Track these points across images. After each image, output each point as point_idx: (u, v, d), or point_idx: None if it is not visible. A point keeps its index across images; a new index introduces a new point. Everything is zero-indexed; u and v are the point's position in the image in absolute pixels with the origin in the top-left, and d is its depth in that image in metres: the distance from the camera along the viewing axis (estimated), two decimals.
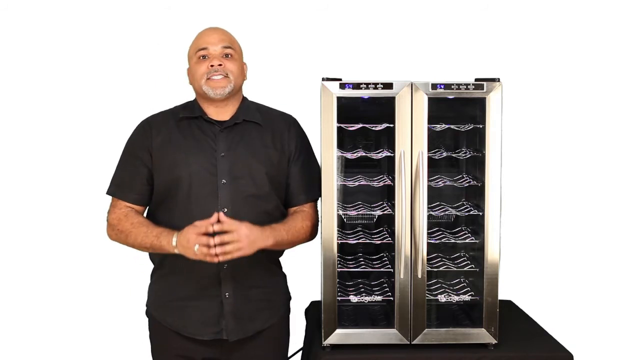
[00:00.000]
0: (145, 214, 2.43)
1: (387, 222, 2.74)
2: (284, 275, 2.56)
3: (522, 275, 3.62)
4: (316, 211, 2.50)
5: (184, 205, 2.31)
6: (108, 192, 2.42)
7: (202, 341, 2.36)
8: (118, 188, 2.39)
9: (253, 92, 2.53)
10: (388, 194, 2.75)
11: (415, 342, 2.46)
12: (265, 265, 2.44)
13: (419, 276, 2.43)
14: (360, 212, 2.72)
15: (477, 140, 2.57)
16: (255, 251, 2.21)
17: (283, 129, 2.45)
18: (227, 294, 2.34)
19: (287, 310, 2.56)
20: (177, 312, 2.37)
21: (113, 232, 2.37)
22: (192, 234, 2.14)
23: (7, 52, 3.81)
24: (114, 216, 2.37)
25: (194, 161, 2.32)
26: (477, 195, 2.58)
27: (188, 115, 2.39)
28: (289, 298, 2.57)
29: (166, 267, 2.40)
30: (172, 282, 2.39)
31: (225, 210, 2.28)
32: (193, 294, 2.35)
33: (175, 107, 2.48)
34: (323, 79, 2.39)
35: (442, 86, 2.40)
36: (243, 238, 2.16)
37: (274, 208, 2.41)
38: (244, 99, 2.48)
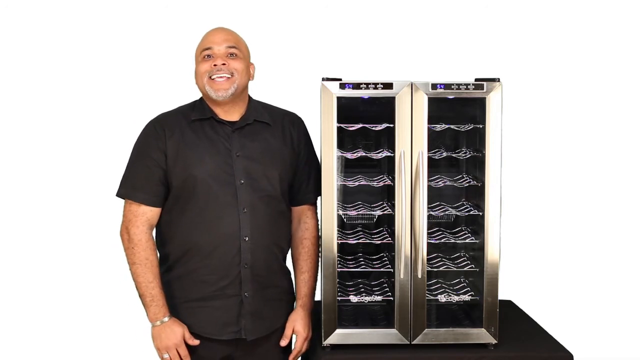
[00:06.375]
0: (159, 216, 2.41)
1: (387, 222, 2.73)
2: (290, 275, 2.58)
3: (522, 275, 3.62)
4: (317, 207, 2.55)
5: (202, 206, 2.32)
6: (119, 195, 2.38)
7: (219, 341, 2.38)
8: (131, 190, 2.35)
9: (253, 92, 2.53)
10: (388, 194, 2.75)
11: (415, 342, 2.46)
12: (280, 266, 2.49)
13: (419, 276, 2.43)
14: (360, 212, 2.71)
15: (477, 140, 2.57)
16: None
17: (291, 128, 2.49)
18: (246, 293, 2.36)
19: (292, 309, 2.57)
20: (194, 313, 2.37)
21: (126, 243, 2.35)
22: (172, 344, 2.31)
23: (4, 52, 3.81)
24: (136, 231, 2.32)
25: (211, 161, 2.32)
26: (477, 195, 2.57)
27: (200, 117, 2.39)
28: (294, 298, 2.58)
29: (180, 268, 2.38)
30: (187, 283, 2.38)
31: (245, 210, 2.31)
32: (212, 294, 2.35)
33: (182, 107, 2.47)
34: (323, 79, 2.39)
35: (442, 86, 2.40)
36: (308, 332, 2.47)
37: (286, 207, 2.47)
38: (251, 98, 2.48)
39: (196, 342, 2.35)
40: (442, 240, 2.64)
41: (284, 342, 2.47)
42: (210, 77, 2.33)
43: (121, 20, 3.80)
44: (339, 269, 2.47)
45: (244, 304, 2.37)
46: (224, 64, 2.33)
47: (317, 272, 2.53)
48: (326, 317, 2.44)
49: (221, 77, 2.32)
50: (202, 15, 3.76)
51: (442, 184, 2.63)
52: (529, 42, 3.87)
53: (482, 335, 2.46)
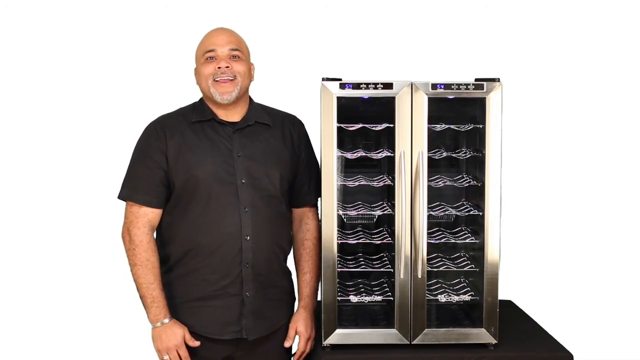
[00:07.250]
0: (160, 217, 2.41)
1: (387, 222, 2.74)
2: (291, 275, 2.58)
3: (522, 275, 3.62)
4: (318, 208, 2.55)
5: (204, 206, 2.32)
6: (121, 197, 2.38)
7: (220, 340, 2.38)
8: (132, 191, 2.35)
9: (253, 92, 2.53)
10: (388, 194, 2.75)
11: (415, 342, 2.46)
12: (281, 266, 2.49)
13: (419, 276, 2.43)
14: (360, 212, 2.71)
15: (477, 140, 2.57)
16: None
17: (291, 129, 2.50)
18: (247, 293, 2.36)
19: (293, 310, 2.58)
20: (196, 313, 2.37)
21: (127, 245, 2.35)
22: (172, 345, 2.31)
23: (4, 53, 3.81)
24: (137, 232, 2.32)
25: (212, 162, 2.33)
26: (477, 195, 2.58)
27: (200, 119, 2.39)
28: (294, 298, 2.59)
29: (181, 268, 2.39)
30: (188, 282, 2.38)
31: (246, 210, 2.31)
32: (213, 293, 2.36)
33: (182, 108, 2.48)
34: (323, 79, 2.39)
35: (442, 86, 2.40)
36: (311, 332, 2.48)
37: (286, 208, 2.48)
38: (251, 100, 2.49)
39: (197, 343, 2.35)
40: (442, 240, 2.64)
41: (287, 344, 2.47)
42: (215, 79, 2.34)
43: (121, 20, 3.80)
44: (339, 269, 2.47)
45: (245, 304, 2.37)
46: (227, 67, 2.33)
47: (318, 272, 2.53)
48: (326, 317, 2.44)
49: (225, 80, 2.33)
50: (202, 15, 3.75)
51: (442, 184, 2.64)
52: (529, 42, 3.87)
53: (482, 335, 2.46)
